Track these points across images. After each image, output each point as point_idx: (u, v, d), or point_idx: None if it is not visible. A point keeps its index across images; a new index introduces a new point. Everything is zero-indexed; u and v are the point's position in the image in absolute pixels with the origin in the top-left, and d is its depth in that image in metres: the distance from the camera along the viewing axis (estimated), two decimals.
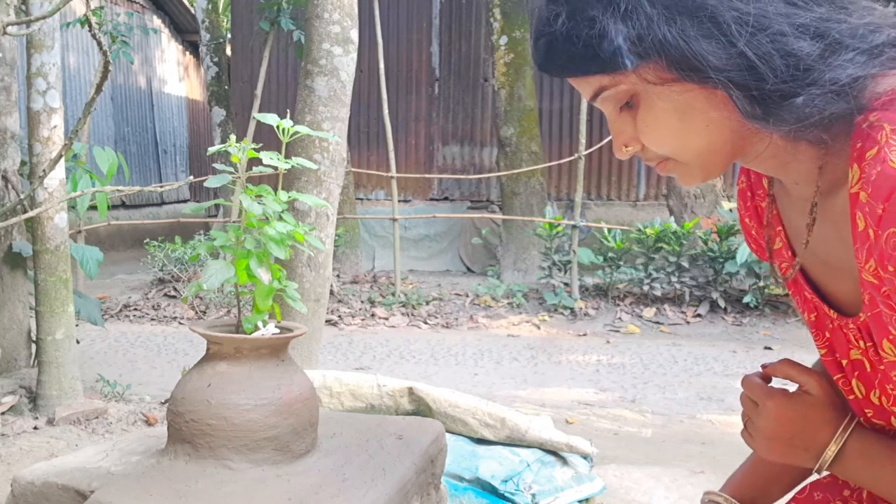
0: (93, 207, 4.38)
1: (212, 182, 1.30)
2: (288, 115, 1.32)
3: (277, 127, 1.27)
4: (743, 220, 1.09)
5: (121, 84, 12.29)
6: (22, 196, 3.30)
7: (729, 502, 1.11)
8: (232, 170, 1.30)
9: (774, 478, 1.12)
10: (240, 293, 1.36)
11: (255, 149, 1.28)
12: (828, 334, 0.95)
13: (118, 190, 2.57)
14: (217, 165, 1.33)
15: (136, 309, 6.76)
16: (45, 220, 3.31)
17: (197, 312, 6.49)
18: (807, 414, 0.95)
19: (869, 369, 0.90)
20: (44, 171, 2.70)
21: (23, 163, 3.65)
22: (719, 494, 1.13)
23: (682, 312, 6.49)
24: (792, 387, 0.99)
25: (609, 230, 6.74)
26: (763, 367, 1.02)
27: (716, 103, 0.81)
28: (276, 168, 1.28)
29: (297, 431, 1.33)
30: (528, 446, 2.70)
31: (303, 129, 1.26)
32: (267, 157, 1.25)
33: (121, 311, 6.70)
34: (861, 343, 0.89)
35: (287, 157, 1.29)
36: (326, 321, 5.01)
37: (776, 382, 1.01)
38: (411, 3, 9.59)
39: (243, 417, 1.28)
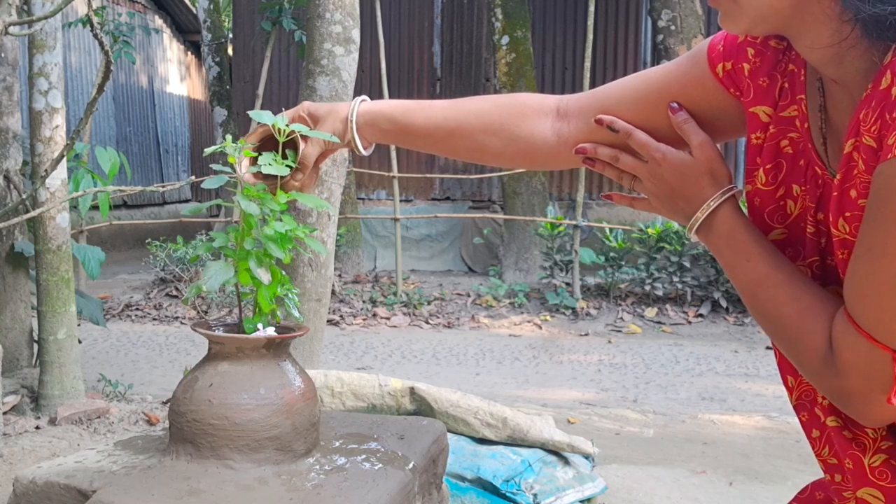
0: (95, 207, 4.38)
1: (208, 184, 1.28)
2: (283, 112, 1.28)
3: (274, 126, 1.23)
4: (741, 62, 0.97)
5: (122, 84, 12.30)
6: (24, 196, 3.30)
7: None
8: (230, 170, 1.28)
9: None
10: (241, 293, 1.36)
11: (253, 148, 1.26)
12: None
13: (120, 190, 2.57)
14: (214, 166, 1.30)
15: (137, 309, 6.77)
16: (46, 220, 3.31)
17: (199, 312, 6.49)
18: (691, 168, 0.97)
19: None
20: (46, 170, 2.70)
21: (25, 162, 3.66)
22: None
23: (684, 312, 6.49)
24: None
25: (611, 230, 6.73)
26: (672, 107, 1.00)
27: None
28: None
29: (299, 431, 1.33)
30: (530, 446, 2.70)
31: (301, 129, 1.23)
32: (263, 160, 1.22)
33: (123, 310, 6.70)
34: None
35: (285, 157, 1.24)
36: (328, 321, 5.01)
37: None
38: (413, 2, 9.58)
39: (245, 417, 1.28)
